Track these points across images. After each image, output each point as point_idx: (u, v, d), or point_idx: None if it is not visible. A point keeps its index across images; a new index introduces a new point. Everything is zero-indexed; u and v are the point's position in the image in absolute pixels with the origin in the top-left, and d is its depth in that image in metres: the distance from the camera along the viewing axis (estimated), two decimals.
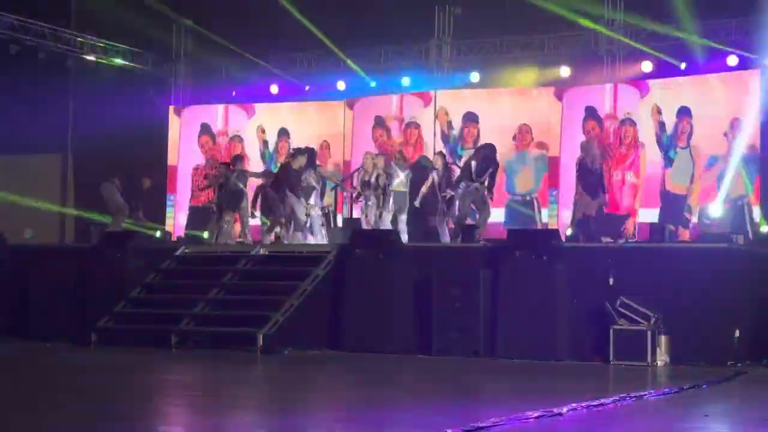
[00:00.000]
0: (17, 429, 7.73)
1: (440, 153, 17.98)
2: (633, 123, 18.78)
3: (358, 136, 20.66)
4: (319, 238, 17.03)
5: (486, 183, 16.13)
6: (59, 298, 16.05)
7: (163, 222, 21.26)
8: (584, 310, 13.51)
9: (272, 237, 16.97)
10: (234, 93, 22.40)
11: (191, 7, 21.26)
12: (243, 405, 9.39)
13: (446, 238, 16.31)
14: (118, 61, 21.80)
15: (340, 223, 18.15)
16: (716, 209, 15.15)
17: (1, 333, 16.15)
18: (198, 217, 20.70)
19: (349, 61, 20.77)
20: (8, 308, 16.62)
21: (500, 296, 13.78)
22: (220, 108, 22.18)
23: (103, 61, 21.60)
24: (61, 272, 16.28)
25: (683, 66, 18.80)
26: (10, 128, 19.64)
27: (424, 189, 16.88)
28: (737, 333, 13.04)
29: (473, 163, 16.22)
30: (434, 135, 20.05)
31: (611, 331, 13.03)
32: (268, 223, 17.25)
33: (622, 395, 9.58)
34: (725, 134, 17.64)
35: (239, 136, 21.74)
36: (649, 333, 12.91)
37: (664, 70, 19.01)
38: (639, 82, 19.13)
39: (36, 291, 16.37)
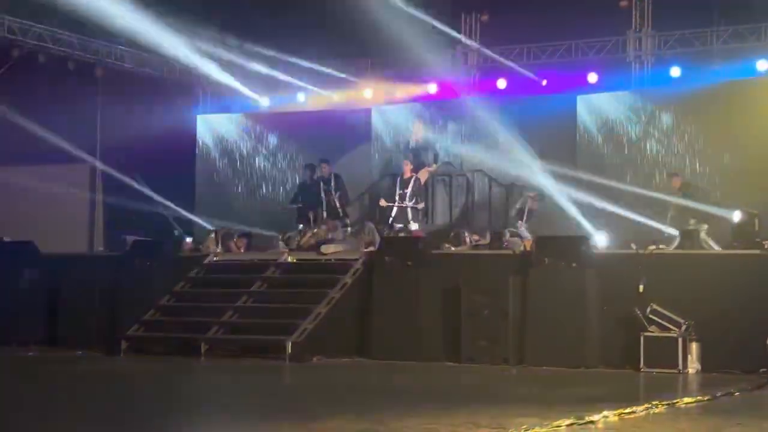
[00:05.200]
0: None
1: None
2: None
3: None
4: None
5: None
6: (89, 307, 16.12)
7: None
8: (614, 317, 13.46)
9: None
10: (266, 102, 22.41)
11: (218, 16, 21.31)
12: (276, 416, 9.38)
13: None
14: (146, 69, 21.88)
15: None
16: (737, 214, 15.10)
17: (32, 342, 16.24)
18: None
19: None
20: (39, 317, 16.69)
21: (530, 303, 13.74)
22: None
23: (131, 70, 21.67)
24: (91, 281, 16.35)
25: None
26: (39, 138, 19.73)
27: None
28: None
29: None
30: None
31: (642, 338, 12.96)
32: None
33: (653, 403, 9.52)
34: None
35: None
36: (680, 340, 12.84)
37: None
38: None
39: (66, 299, 16.45)
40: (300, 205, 18.63)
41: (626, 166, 18.51)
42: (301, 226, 17.97)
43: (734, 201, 15.92)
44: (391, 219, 17.32)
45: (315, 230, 17.00)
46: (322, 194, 18.25)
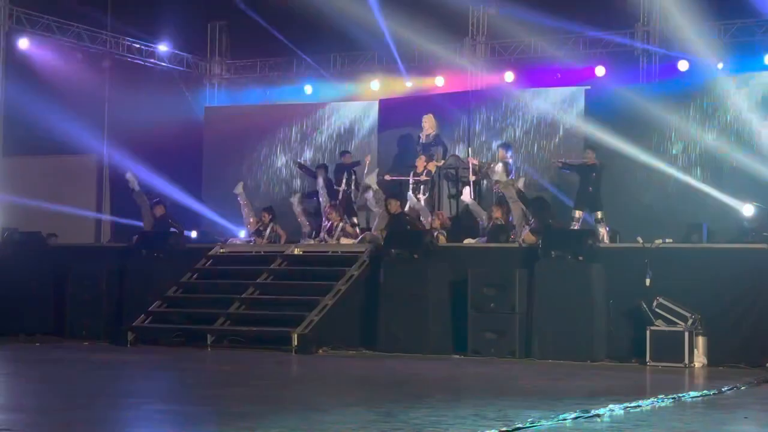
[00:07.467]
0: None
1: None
2: None
3: None
4: None
5: None
6: (96, 298, 16.19)
7: None
8: (621, 311, 13.47)
9: None
10: (266, 93, 22.43)
11: (225, 7, 21.34)
12: (282, 408, 9.40)
13: None
14: (153, 61, 21.92)
15: None
16: (748, 209, 15.06)
17: (40, 332, 16.30)
18: None
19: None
20: (46, 308, 16.74)
21: (536, 297, 13.74)
22: None
23: (139, 62, 21.71)
24: (98, 272, 16.40)
25: (720, 66, 18.62)
26: (47, 129, 19.79)
27: None
28: None
29: None
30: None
31: (648, 331, 12.97)
32: None
33: (659, 396, 9.52)
34: None
35: None
36: (686, 334, 12.84)
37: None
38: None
39: (73, 290, 16.49)
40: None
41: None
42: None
43: (745, 196, 15.92)
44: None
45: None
46: (343, 184, 18.25)
